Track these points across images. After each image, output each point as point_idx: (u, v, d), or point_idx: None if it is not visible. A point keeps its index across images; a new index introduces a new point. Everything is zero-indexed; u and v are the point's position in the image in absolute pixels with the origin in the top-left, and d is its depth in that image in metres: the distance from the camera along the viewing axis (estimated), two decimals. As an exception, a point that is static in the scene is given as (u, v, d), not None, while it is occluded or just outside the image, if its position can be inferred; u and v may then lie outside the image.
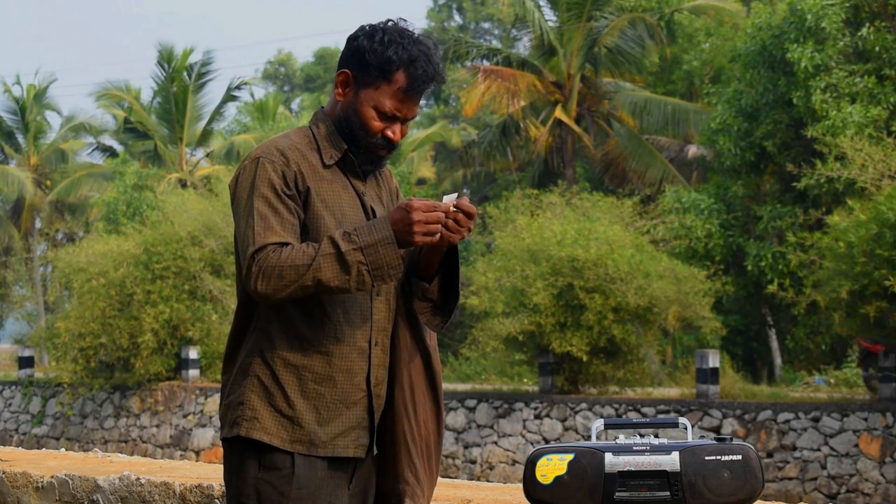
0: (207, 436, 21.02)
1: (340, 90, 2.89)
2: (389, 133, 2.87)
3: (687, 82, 29.05)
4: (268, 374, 2.80)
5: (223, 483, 4.02)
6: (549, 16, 27.62)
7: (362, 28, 2.89)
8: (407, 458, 2.90)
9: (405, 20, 2.90)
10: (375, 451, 2.89)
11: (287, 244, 2.74)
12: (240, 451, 2.82)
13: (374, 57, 2.82)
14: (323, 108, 2.97)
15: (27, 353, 25.12)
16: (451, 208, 2.75)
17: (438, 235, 2.75)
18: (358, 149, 2.89)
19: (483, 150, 28.33)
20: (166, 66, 30.55)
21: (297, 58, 54.32)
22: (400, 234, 2.72)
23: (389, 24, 2.88)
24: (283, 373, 2.79)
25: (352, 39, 2.89)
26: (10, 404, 24.48)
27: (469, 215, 2.76)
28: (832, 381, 20.59)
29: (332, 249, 2.70)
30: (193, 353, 21.60)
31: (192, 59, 30.95)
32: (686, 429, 3.16)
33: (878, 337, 16.52)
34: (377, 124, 2.85)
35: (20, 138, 36.31)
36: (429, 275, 2.95)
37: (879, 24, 21.29)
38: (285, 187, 2.79)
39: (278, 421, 2.78)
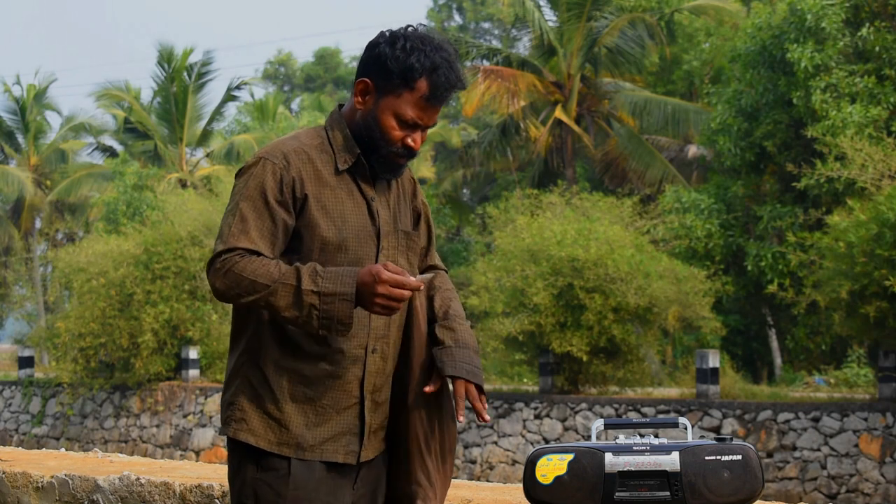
0: (207, 436, 21.02)
1: (360, 98, 2.84)
2: (409, 141, 2.83)
3: (687, 82, 29.05)
4: (258, 375, 2.79)
5: (223, 483, 4.03)
6: (549, 16, 27.63)
7: (382, 34, 2.85)
8: (420, 460, 2.88)
9: (424, 25, 2.87)
10: (367, 458, 2.85)
11: (256, 253, 2.72)
12: (240, 452, 2.82)
13: (396, 64, 2.78)
14: (341, 107, 2.94)
15: (27, 353, 25.11)
16: (421, 287, 2.73)
17: (397, 312, 2.73)
18: (378, 157, 2.85)
19: (483, 150, 28.34)
20: (166, 66, 30.57)
21: (297, 58, 54.37)
22: (360, 295, 2.69)
23: (410, 29, 2.84)
24: (273, 375, 2.78)
25: (372, 46, 2.84)
26: (10, 404, 24.48)
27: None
28: (832, 381, 20.60)
29: (294, 281, 2.68)
30: (193, 353, 21.60)
31: (192, 59, 31.01)
32: (686, 429, 3.16)
33: (879, 337, 16.51)
34: (398, 133, 2.82)
35: (20, 138, 36.31)
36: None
37: (879, 24, 21.29)
38: (278, 193, 2.76)
39: (266, 423, 2.78)
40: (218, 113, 32.48)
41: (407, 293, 2.69)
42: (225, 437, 2.88)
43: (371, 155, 2.85)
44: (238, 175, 2.85)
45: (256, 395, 2.79)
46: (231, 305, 2.87)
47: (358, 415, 2.82)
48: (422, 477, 2.88)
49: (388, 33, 2.84)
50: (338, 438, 2.80)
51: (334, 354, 2.78)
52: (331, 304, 2.68)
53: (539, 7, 27.13)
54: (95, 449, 9.35)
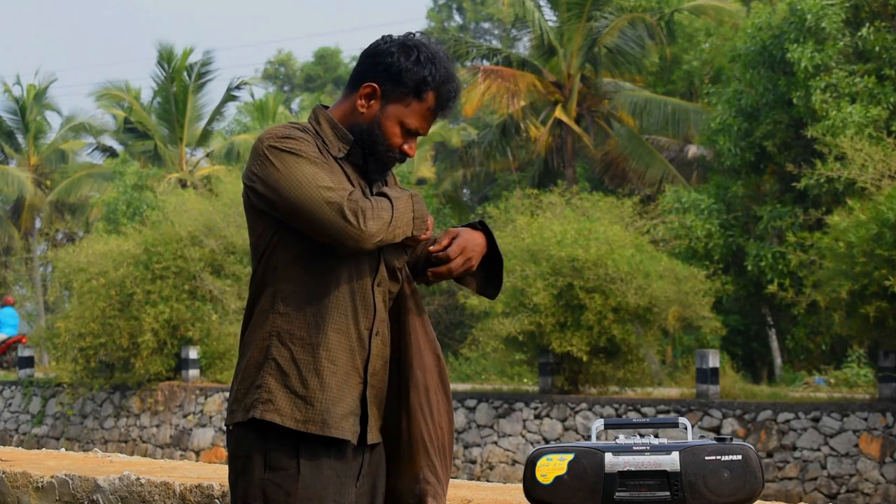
0: (207, 436, 21.02)
1: (364, 102, 2.90)
2: (407, 148, 2.93)
3: (687, 82, 29.05)
4: (285, 355, 2.81)
5: (223, 483, 4.03)
6: (549, 16, 27.63)
7: (390, 41, 2.91)
8: (426, 458, 2.91)
9: (423, 33, 2.95)
10: (372, 442, 2.89)
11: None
12: (245, 453, 2.82)
13: (409, 76, 2.86)
14: (324, 106, 2.98)
15: (27, 353, 25.11)
16: None
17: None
18: (374, 160, 2.93)
19: (483, 150, 28.34)
20: (166, 66, 30.58)
21: (297, 58, 54.41)
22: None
23: (419, 39, 2.92)
24: (301, 353, 2.81)
25: (384, 54, 2.89)
26: (10, 404, 24.48)
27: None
28: (832, 381, 20.59)
29: (398, 193, 2.88)
30: (193, 353, 21.59)
31: (192, 59, 31.02)
32: (686, 429, 3.16)
33: (879, 337, 16.50)
34: (398, 140, 2.91)
35: (20, 138, 36.31)
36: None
37: (879, 24, 21.29)
38: (318, 155, 2.84)
39: (293, 402, 2.79)
40: (218, 113, 32.49)
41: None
42: (225, 438, 2.89)
43: (368, 157, 2.92)
44: (260, 166, 2.80)
45: (283, 374, 2.81)
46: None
47: (360, 396, 2.86)
48: (429, 474, 2.91)
49: (399, 42, 2.90)
50: (348, 417, 2.83)
51: (351, 332, 2.84)
52: (419, 202, 2.91)
53: (539, 7, 27.12)
54: (95, 449, 9.36)
